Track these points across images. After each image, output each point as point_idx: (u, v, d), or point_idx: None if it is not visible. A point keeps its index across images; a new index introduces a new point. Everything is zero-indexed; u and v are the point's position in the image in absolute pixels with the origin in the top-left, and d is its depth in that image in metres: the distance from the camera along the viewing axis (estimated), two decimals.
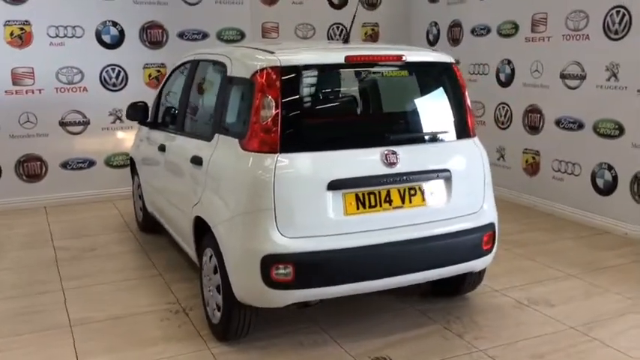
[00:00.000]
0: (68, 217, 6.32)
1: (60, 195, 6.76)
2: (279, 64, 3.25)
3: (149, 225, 5.48)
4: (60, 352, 3.49)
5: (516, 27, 6.55)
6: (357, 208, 3.29)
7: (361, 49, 3.55)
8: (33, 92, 6.54)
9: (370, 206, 3.32)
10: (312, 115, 3.40)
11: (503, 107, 6.83)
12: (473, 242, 3.58)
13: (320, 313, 3.89)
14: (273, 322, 3.78)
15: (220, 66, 3.77)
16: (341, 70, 3.55)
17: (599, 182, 5.73)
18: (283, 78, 3.23)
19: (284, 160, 3.17)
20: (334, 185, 3.22)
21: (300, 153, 3.23)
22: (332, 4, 7.80)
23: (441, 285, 4.13)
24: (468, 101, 3.70)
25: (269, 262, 3.14)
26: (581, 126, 5.88)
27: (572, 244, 5.33)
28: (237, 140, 3.35)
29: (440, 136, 3.61)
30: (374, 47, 3.83)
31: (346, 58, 3.35)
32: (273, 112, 3.18)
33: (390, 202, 3.36)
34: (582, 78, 5.80)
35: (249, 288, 3.23)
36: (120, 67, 6.89)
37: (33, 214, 6.42)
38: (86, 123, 6.84)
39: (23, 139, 6.59)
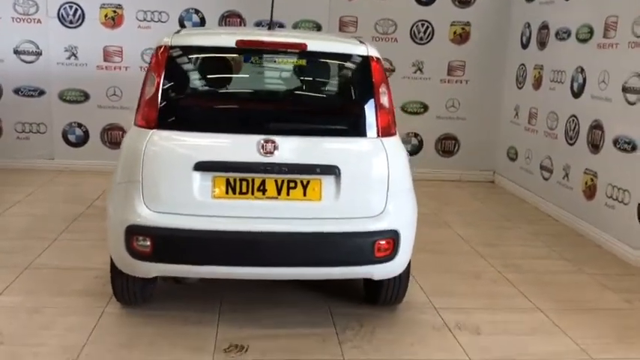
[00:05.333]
0: None
1: None
2: (168, 44, 3.36)
3: None
4: None
5: (591, 31, 5.78)
6: (227, 193, 3.28)
7: (260, 35, 3.48)
8: (120, 69, 7.32)
9: (241, 193, 3.28)
10: (193, 95, 3.45)
11: (573, 121, 6.07)
12: (359, 247, 3.34)
13: (231, 295, 3.93)
14: (186, 296, 3.93)
15: None
16: (232, 54, 3.53)
17: None
18: (170, 57, 3.35)
19: (156, 136, 3.29)
20: (201, 166, 3.24)
21: (174, 131, 3.32)
22: (418, 1, 7.51)
23: (366, 292, 3.94)
24: (383, 98, 3.42)
25: (131, 232, 3.27)
26: (634, 147, 5.05)
27: (584, 280, 4.62)
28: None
29: (334, 131, 3.42)
30: (280, 34, 3.71)
31: (237, 42, 3.34)
32: (154, 89, 3.31)
33: (263, 191, 3.29)
34: None
35: (117, 255, 3.40)
36: None
37: (107, 176, 7.18)
38: None
39: (109, 109, 7.42)
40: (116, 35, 7.25)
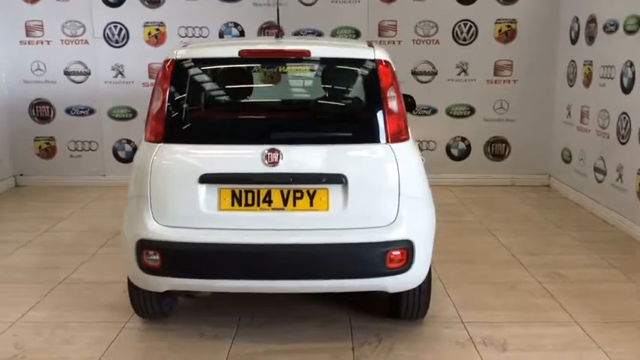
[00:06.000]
0: None
1: None
2: (174, 58, 3.37)
3: None
4: (22, 301, 4.09)
5: (639, 22, 5.41)
6: (232, 205, 3.24)
7: (265, 44, 3.43)
8: None
9: (247, 204, 3.24)
10: (198, 108, 3.43)
11: (624, 118, 5.70)
12: (370, 258, 3.22)
13: (252, 309, 3.89)
14: (206, 310, 3.93)
15: None
16: (236, 65, 3.49)
17: None
18: (175, 71, 3.35)
19: (163, 150, 3.29)
20: (206, 179, 3.22)
21: (180, 145, 3.32)
22: (460, 0, 7.28)
23: (389, 305, 3.80)
24: (392, 103, 3.29)
25: (141, 246, 3.28)
26: None
27: (632, 290, 4.29)
28: None
29: (340, 138, 3.32)
30: (285, 42, 3.63)
31: (240, 52, 3.31)
32: (160, 103, 3.32)
33: (269, 202, 3.23)
34: None
35: (130, 269, 3.42)
36: None
37: None
38: None
39: None
40: (160, 52, 7.35)
